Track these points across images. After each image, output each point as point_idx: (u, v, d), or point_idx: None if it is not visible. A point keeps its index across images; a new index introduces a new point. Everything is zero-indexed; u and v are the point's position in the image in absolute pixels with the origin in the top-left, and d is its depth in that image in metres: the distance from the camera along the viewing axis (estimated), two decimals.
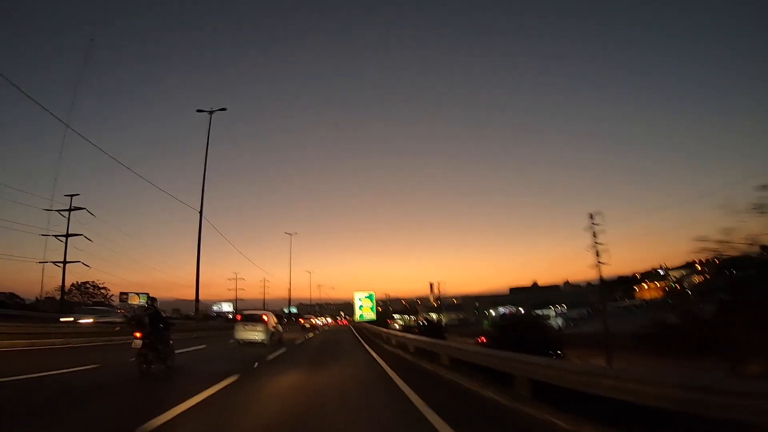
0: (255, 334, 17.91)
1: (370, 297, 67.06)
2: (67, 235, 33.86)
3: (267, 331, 18.12)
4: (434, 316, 55.78)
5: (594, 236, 30.51)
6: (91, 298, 49.28)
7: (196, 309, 32.58)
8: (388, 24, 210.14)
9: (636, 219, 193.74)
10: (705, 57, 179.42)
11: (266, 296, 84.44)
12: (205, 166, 26.68)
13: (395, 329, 42.82)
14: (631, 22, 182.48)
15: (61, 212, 33.47)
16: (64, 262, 33.68)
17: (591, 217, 30.46)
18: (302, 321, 47.56)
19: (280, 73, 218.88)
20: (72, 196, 33.90)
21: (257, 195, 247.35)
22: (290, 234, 63.46)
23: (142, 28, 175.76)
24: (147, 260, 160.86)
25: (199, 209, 27.15)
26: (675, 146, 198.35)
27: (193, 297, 28.17)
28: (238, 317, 20.24)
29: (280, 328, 21.02)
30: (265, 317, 18.73)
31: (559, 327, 64.62)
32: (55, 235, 33.42)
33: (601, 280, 32.37)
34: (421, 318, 70.26)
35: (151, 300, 9.77)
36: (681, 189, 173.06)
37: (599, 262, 30.56)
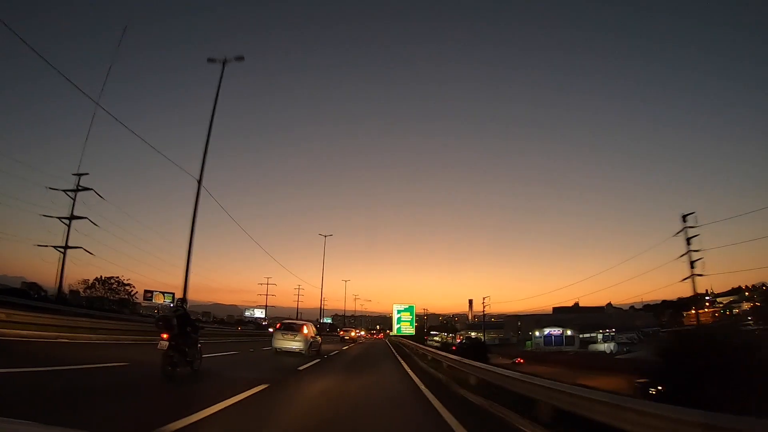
0: (293, 344, 17.63)
1: (409, 310, 62.97)
2: (71, 218, 30.38)
3: (305, 341, 17.76)
4: (473, 334, 51.20)
5: (688, 243, 25.64)
6: (115, 294, 47.51)
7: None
8: (441, 36, 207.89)
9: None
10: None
11: (299, 305, 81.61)
12: (210, 124, 18.18)
13: (435, 346, 38.71)
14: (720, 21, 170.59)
15: (68, 192, 30.31)
16: (65, 247, 29.97)
17: (684, 220, 25.64)
18: (342, 333, 48.85)
19: (325, 78, 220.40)
20: (80, 175, 30.51)
21: (294, 206, 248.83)
22: (325, 236, 59.14)
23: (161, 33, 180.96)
24: (180, 261, 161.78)
25: (198, 177, 17.66)
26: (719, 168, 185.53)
27: (228, 301, 24.29)
28: (278, 325, 19.81)
29: (319, 338, 20.50)
30: (304, 328, 18.34)
31: (612, 351, 58.49)
32: (59, 217, 30.25)
33: (695, 292, 27.45)
34: (460, 336, 65.23)
35: (181, 301, 9.62)
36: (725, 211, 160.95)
37: (694, 274, 25.60)
